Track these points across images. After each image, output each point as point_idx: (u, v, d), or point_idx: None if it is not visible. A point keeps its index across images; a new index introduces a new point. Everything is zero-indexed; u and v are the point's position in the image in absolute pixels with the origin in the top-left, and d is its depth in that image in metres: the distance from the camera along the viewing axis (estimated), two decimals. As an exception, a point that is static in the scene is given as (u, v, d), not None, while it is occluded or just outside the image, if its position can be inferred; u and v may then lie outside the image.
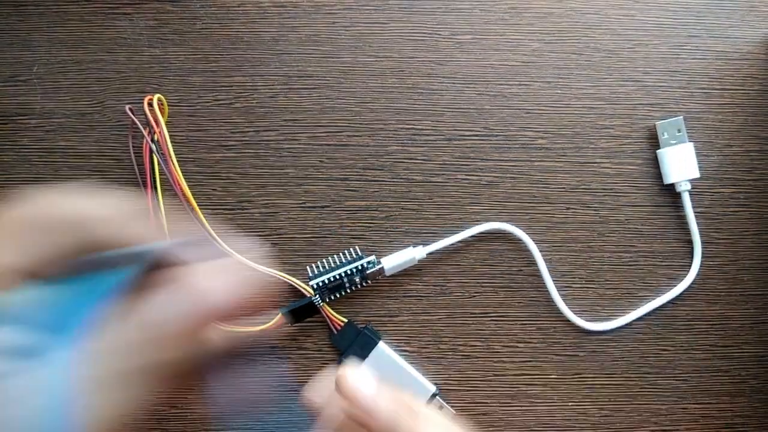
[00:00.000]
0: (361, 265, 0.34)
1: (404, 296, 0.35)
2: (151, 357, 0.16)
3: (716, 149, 0.36)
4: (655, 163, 0.36)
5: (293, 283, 0.34)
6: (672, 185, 0.35)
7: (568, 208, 0.36)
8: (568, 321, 0.35)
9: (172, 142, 0.34)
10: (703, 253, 0.35)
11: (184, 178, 0.33)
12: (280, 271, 0.35)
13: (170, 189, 0.34)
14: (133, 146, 0.35)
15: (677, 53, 0.36)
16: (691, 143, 0.35)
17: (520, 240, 0.35)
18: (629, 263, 0.36)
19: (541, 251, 0.35)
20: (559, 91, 0.36)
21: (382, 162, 0.36)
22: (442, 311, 0.35)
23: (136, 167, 0.35)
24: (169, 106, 0.35)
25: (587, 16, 0.36)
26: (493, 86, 0.36)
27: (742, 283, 0.36)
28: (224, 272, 0.17)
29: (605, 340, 0.36)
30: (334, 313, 0.35)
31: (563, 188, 0.36)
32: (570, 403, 0.35)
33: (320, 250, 0.35)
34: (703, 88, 0.36)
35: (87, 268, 0.17)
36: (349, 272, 0.34)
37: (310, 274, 0.34)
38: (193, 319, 0.17)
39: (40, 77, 0.36)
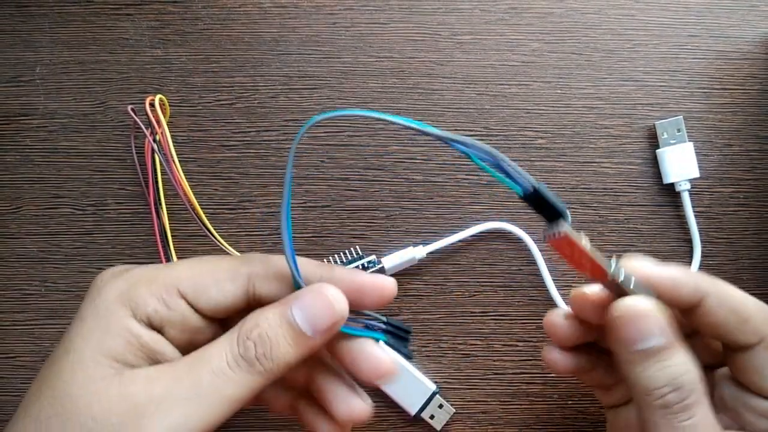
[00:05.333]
0: (362, 264, 0.34)
1: (404, 296, 0.36)
2: None
3: (716, 149, 0.36)
4: (655, 162, 0.36)
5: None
6: (672, 185, 0.36)
7: (567, 208, 0.36)
8: (568, 320, 0.35)
9: (173, 142, 0.34)
10: (702, 253, 0.35)
11: (186, 178, 0.34)
12: (281, 270, 0.35)
13: (172, 189, 0.34)
14: (135, 146, 0.35)
15: (677, 53, 0.37)
16: (691, 143, 0.35)
17: (520, 239, 0.35)
18: (629, 263, 0.36)
19: (541, 250, 0.35)
20: (559, 91, 0.36)
21: (382, 162, 0.36)
22: (442, 310, 0.35)
23: (138, 167, 0.35)
24: (170, 106, 0.36)
25: (587, 16, 0.37)
26: (493, 86, 0.36)
27: (742, 282, 0.36)
28: None
29: (605, 339, 0.36)
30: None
31: (563, 188, 0.36)
32: (570, 402, 0.35)
33: (321, 249, 0.36)
34: (703, 88, 0.36)
35: None
36: (349, 271, 0.34)
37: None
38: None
39: (42, 78, 0.36)
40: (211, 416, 0.21)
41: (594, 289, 0.26)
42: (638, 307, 0.24)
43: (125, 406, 0.21)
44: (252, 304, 0.24)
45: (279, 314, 0.23)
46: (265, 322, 0.23)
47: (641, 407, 0.24)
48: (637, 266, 0.24)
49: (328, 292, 0.23)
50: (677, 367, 0.23)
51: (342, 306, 0.23)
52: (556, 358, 0.28)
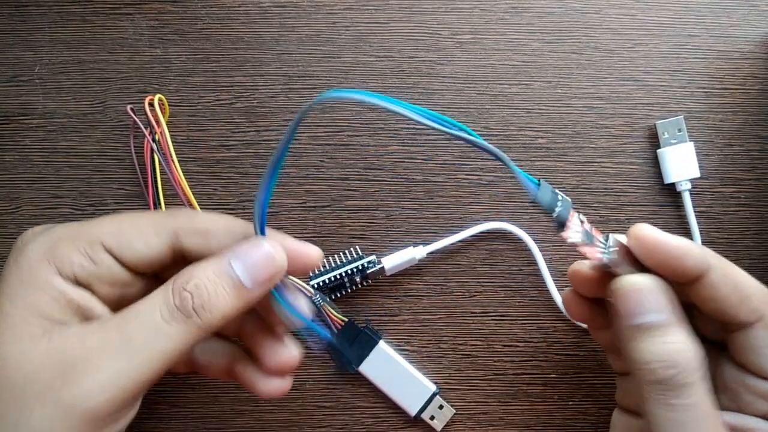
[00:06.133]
0: (362, 264, 0.34)
1: (404, 296, 0.35)
2: None
3: (717, 149, 0.36)
4: (656, 162, 0.36)
5: (293, 283, 0.34)
6: (672, 185, 0.35)
7: (568, 208, 0.36)
8: (569, 320, 0.35)
9: (173, 141, 0.34)
10: (703, 253, 0.35)
11: (185, 178, 0.34)
12: (281, 270, 0.35)
13: (171, 189, 0.34)
14: (134, 146, 0.35)
15: (678, 52, 0.36)
16: (692, 143, 0.35)
17: (521, 239, 0.35)
18: (630, 263, 0.36)
19: (541, 250, 0.35)
20: (559, 91, 0.36)
21: (382, 162, 0.36)
22: (443, 311, 0.35)
23: (137, 167, 0.35)
24: (170, 106, 0.36)
25: (588, 16, 0.36)
26: (494, 86, 0.36)
27: (743, 282, 0.36)
28: None
29: (606, 340, 0.35)
30: (335, 313, 0.35)
31: (564, 188, 0.36)
32: (570, 403, 0.35)
33: (321, 249, 0.35)
34: (704, 88, 0.36)
35: None
36: (349, 272, 0.34)
37: (311, 274, 0.34)
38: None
39: (41, 77, 0.36)
40: (144, 371, 0.21)
41: (584, 266, 0.27)
42: (639, 282, 0.24)
43: (56, 362, 0.20)
44: (177, 258, 0.24)
45: (217, 266, 0.22)
46: (202, 273, 0.22)
47: (637, 382, 0.23)
48: (646, 233, 0.24)
49: (267, 244, 0.23)
50: (674, 345, 0.23)
51: (281, 258, 0.23)
52: (573, 302, 0.28)
